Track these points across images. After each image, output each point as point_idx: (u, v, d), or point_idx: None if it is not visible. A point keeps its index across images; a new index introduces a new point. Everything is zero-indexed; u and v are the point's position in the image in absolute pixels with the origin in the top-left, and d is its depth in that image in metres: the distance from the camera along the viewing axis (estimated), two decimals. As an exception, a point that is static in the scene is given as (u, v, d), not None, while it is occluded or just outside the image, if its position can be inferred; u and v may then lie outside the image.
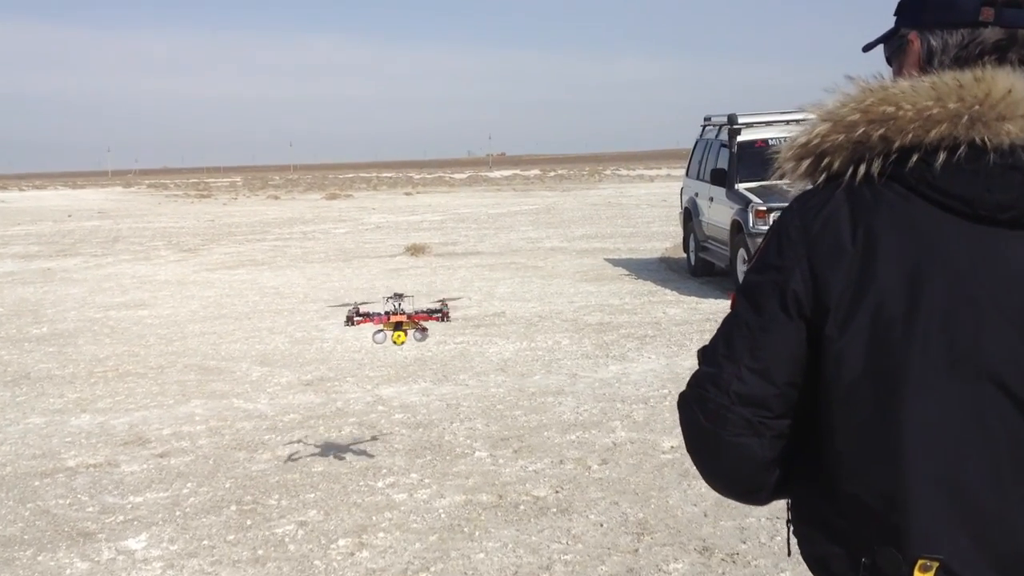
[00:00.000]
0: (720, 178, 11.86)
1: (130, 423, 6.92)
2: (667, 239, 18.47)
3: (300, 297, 12.73)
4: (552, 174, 70.48)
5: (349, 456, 5.94)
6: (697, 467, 1.53)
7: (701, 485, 5.12)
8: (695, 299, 11.38)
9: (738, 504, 2.30)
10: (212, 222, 28.81)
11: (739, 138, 12.05)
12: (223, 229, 25.65)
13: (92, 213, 36.13)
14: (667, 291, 12.11)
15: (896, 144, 1.33)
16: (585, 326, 9.91)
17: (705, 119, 13.89)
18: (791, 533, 1.51)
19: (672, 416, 6.49)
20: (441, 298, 5.50)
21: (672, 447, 5.84)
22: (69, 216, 34.23)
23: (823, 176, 1.40)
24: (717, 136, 12.90)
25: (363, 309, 5.23)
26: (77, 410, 7.35)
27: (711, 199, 12.46)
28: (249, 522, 4.94)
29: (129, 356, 9.24)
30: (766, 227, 10.68)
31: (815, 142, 1.39)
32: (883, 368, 1.32)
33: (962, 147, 1.31)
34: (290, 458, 5.95)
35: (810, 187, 1.44)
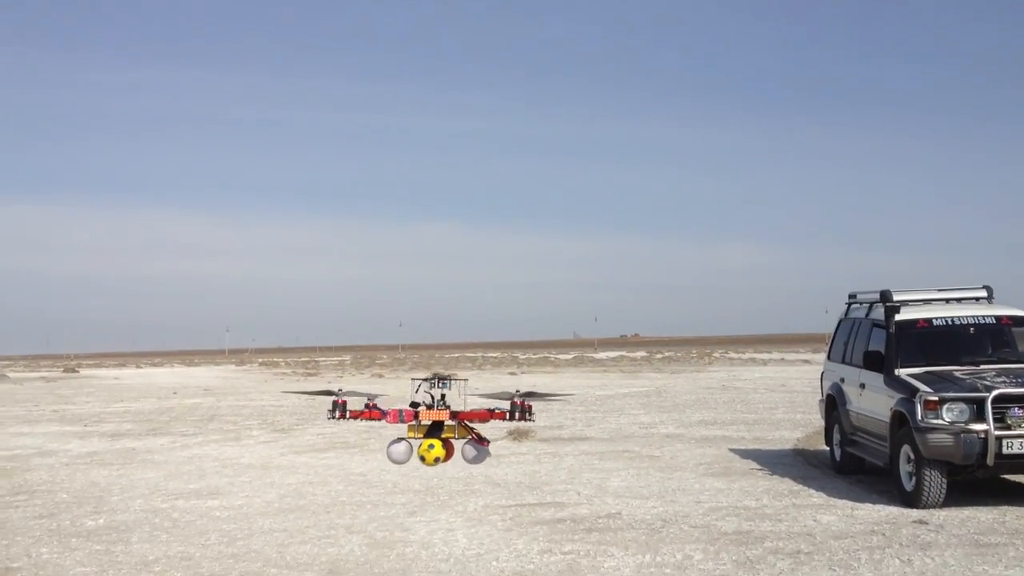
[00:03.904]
0: (875, 362, 10.21)
1: (156, 655, 5.52)
2: (796, 427, 16.58)
3: (388, 487, 11.34)
4: (659, 356, 68.71)
5: None
6: None
7: None
8: (849, 503, 9.52)
9: None
10: (312, 401, 28.02)
11: (897, 317, 10.44)
12: (321, 408, 24.73)
13: (198, 390, 35.98)
14: (811, 491, 10.27)
15: None
16: (720, 535, 8.18)
17: (850, 296, 12.38)
18: None
19: None
20: (517, 389, 3.64)
21: None
22: (174, 393, 34.09)
23: None
24: (868, 315, 11.33)
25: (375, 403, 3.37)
26: (101, 632, 6.02)
27: (862, 386, 10.76)
28: None
29: (180, 560, 7.92)
30: (938, 420, 8.94)
31: None
32: None
33: None
34: None
35: None
